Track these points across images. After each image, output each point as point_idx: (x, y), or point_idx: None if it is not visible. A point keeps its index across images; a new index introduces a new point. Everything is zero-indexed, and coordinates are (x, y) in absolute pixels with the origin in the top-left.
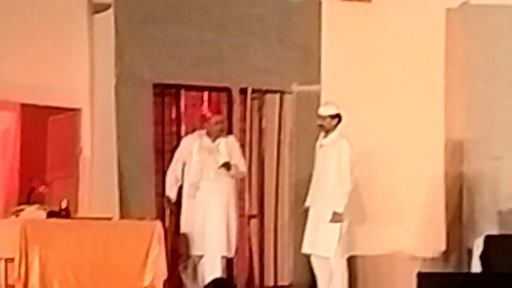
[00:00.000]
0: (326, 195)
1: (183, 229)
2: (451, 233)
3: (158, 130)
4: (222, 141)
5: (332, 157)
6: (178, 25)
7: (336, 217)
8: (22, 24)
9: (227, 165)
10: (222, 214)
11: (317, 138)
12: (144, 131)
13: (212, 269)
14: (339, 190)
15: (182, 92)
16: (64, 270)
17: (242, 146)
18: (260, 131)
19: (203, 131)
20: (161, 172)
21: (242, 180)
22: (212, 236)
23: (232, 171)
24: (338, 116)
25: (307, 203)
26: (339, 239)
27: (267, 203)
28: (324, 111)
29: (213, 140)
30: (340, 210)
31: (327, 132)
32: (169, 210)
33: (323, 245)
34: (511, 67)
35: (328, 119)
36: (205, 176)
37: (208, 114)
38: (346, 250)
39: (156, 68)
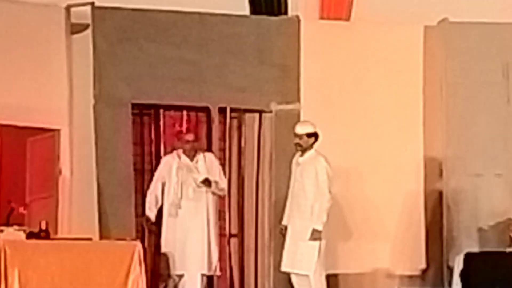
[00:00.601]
0: (304, 213)
1: (163, 248)
2: (431, 250)
3: (137, 150)
4: (200, 158)
5: (310, 175)
6: (157, 44)
7: (315, 235)
8: (0, 45)
9: (207, 182)
10: (202, 232)
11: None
12: (123, 151)
13: None
14: (318, 207)
15: (161, 111)
16: None
17: (222, 165)
18: (240, 150)
19: (181, 150)
20: (141, 192)
21: (222, 199)
22: (193, 255)
23: (213, 188)
24: (314, 135)
25: (284, 222)
26: (318, 257)
27: (247, 222)
28: (300, 129)
29: (191, 159)
30: (319, 227)
31: (304, 150)
32: (149, 230)
33: (303, 263)
34: (490, 84)
35: (305, 138)
36: (185, 194)
37: (181, 133)
38: (325, 268)
39: (135, 88)
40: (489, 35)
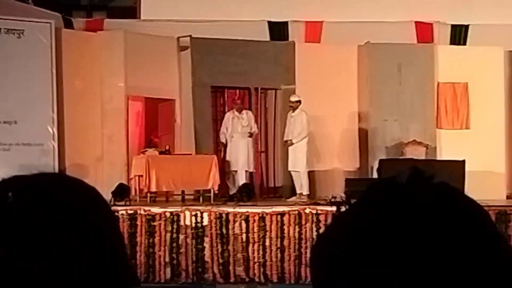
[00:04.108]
0: (294, 138)
1: (227, 158)
2: (362, 157)
3: (214, 110)
4: (244, 113)
5: (297, 122)
6: (225, 56)
7: (289, 143)
8: (142, 57)
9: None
10: (245, 150)
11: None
12: (208, 111)
13: (241, 178)
14: (301, 136)
15: (225, 90)
16: (167, 180)
17: (256, 117)
18: (266, 110)
19: (235, 109)
20: (216, 131)
21: (256, 135)
22: (241, 160)
23: (251, 131)
24: (299, 101)
25: (285, 139)
26: (306, 160)
27: (270, 145)
28: (293, 99)
29: (240, 112)
30: (295, 141)
31: (294, 109)
32: (222, 148)
33: (299, 164)
34: None
35: (296, 103)
36: (235, 131)
37: (234, 101)
38: (307, 167)
39: (213, 77)
40: None
